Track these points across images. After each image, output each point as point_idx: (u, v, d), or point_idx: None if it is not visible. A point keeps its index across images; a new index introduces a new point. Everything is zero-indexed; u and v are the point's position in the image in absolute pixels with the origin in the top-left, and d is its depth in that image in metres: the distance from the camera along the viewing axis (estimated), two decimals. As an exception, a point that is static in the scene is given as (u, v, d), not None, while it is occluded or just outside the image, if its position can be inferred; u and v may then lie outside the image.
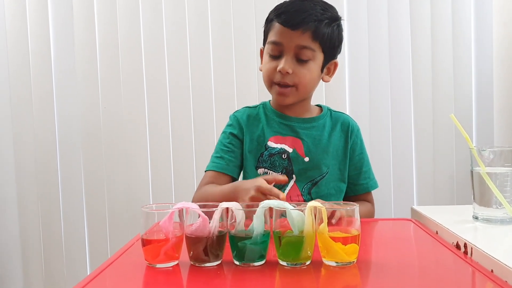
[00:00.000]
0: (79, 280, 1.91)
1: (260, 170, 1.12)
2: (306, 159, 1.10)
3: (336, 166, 1.13)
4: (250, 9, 1.71)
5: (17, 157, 1.79)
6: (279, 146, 1.11)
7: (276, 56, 1.06)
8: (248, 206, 0.71)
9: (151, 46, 1.74)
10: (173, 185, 1.76)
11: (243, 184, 0.93)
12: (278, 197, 0.83)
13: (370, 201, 1.18)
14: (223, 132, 1.18)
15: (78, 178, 1.78)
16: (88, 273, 1.85)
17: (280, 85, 1.06)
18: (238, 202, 0.85)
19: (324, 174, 1.11)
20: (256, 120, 1.16)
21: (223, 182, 1.10)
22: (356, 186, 1.16)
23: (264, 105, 1.19)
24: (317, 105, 1.21)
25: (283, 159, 1.10)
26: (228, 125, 1.18)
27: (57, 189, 1.79)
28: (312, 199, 1.10)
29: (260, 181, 0.87)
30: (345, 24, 1.72)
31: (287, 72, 1.03)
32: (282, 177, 0.92)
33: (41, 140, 1.78)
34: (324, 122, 1.15)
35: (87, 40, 1.74)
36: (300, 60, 1.04)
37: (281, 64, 1.03)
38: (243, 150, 1.14)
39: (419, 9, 1.72)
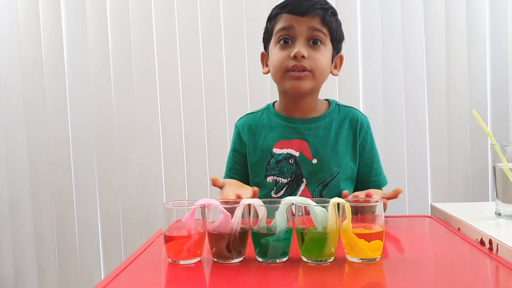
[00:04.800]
0: (93, 279, 1.91)
1: (269, 179, 1.09)
2: (314, 161, 1.07)
3: (346, 165, 1.10)
4: (262, 9, 1.70)
5: (31, 158, 1.80)
6: (284, 151, 1.08)
7: (286, 43, 1.03)
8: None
9: (163, 46, 1.74)
10: (186, 184, 1.77)
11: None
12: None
13: None
14: (231, 148, 1.18)
15: (91, 178, 1.79)
16: (102, 272, 1.87)
17: (294, 70, 1.02)
18: None
19: (335, 174, 1.08)
20: (258, 128, 1.12)
21: None
22: (367, 183, 1.12)
23: (267, 108, 1.16)
24: (325, 100, 1.16)
25: (291, 164, 1.07)
26: (233, 140, 1.17)
27: (70, 190, 1.80)
28: None
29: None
30: (358, 19, 1.72)
31: (303, 56, 1.00)
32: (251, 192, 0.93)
33: (55, 141, 1.79)
34: (331, 119, 1.10)
35: (100, 41, 1.75)
36: (314, 43, 1.02)
37: (296, 48, 1.00)
38: (249, 161, 1.12)
39: (434, 3, 1.70)
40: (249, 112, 1.19)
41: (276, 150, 1.09)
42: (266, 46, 1.12)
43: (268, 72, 1.11)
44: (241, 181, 1.07)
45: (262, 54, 1.14)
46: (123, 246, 1.79)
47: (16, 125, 1.80)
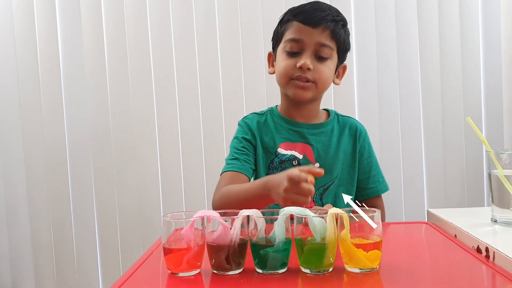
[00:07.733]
0: (91, 285, 1.90)
1: None
2: (317, 165, 1.10)
3: (346, 171, 1.13)
4: (257, 12, 1.71)
5: (27, 162, 1.79)
6: (289, 153, 1.10)
7: (294, 54, 1.05)
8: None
9: (159, 51, 1.75)
10: (183, 189, 1.77)
11: (275, 177, 0.85)
12: (306, 181, 0.76)
13: (379, 205, 1.17)
14: (235, 137, 1.16)
15: (88, 183, 1.79)
16: (100, 279, 1.86)
17: (299, 80, 1.05)
18: (271, 197, 0.84)
19: (334, 179, 1.11)
20: (265, 127, 1.14)
21: (241, 182, 1.06)
22: (365, 190, 1.15)
23: (271, 111, 1.18)
24: (324, 109, 1.20)
25: (294, 165, 1.09)
26: (240, 131, 1.16)
27: (67, 194, 1.79)
28: (323, 204, 1.10)
29: (291, 171, 0.79)
30: (352, 27, 1.73)
31: (308, 68, 1.03)
32: (318, 170, 0.81)
33: (51, 146, 1.78)
34: (332, 127, 1.15)
35: (96, 45, 1.75)
36: (319, 58, 1.05)
37: (302, 60, 1.03)
38: (256, 154, 1.13)
39: (427, 10, 1.72)
40: (253, 112, 1.20)
41: (281, 151, 1.11)
42: (274, 47, 1.14)
43: (273, 72, 1.14)
44: (249, 166, 1.08)
45: (269, 54, 1.17)
46: (121, 253, 1.79)
47: (12, 130, 1.79)
